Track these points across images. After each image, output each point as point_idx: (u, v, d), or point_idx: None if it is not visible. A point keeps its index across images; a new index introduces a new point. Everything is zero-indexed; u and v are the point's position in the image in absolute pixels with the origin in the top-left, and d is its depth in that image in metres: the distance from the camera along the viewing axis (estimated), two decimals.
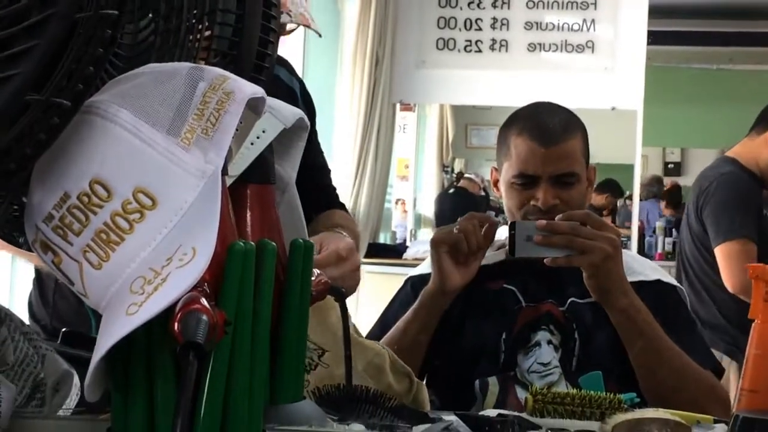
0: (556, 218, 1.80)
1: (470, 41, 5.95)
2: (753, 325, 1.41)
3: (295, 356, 1.18)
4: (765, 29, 7.81)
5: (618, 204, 8.29)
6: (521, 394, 1.83)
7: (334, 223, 1.86)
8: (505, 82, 5.90)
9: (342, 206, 2.11)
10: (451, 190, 8.73)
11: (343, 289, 1.36)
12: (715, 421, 1.44)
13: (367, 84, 5.92)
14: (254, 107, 1.01)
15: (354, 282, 1.74)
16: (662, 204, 8.22)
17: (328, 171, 2.12)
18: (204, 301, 0.85)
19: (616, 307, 1.81)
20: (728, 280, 3.10)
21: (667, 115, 6.87)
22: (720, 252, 3.11)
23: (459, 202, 8.17)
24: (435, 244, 1.87)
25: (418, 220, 8.43)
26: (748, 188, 3.27)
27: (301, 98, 2.00)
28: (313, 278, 1.24)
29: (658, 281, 1.95)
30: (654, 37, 5.90)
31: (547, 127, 1.91)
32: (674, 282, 2.00)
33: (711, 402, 1.78)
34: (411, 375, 1.57)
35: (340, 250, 1.63)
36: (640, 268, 1.95)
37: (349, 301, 1.58)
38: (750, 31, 7.84)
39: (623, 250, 1.85)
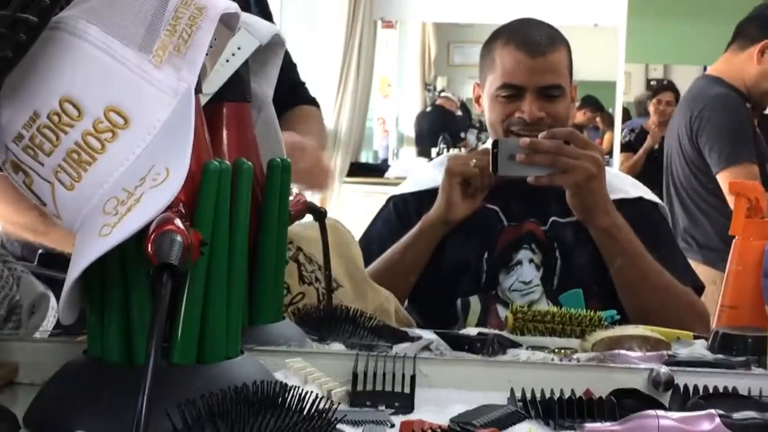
0: (539, 136, 1.78)
1: None
2: (734, 241, 1.41)
3: (274, 276, 1.17)
4: None
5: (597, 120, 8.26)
6: (503, 312, 1.83)
7: (290, 126, 1.83)
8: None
9: (309, 100, 2.07)
10: (428, 109, 8.68)
11: (323, 209, 1.35)
12: (695, 337, 1.45)
13: (348, 2, 5.86)
14: (228, 23, 0.99)
15: (321, 180, 1.73)
16: None
17: (294, 66, 2.08)
18: (178, 221, 0.84)
19: (598, 226, 1.80)
20: None
21: (650, 31, 6.81)
22: (725, 178, 3.10)
23: (437, 121, 8.13)
24: (449, 173, 1.85)
25: (401, 139, 8.39)
26: (741, 109, 3.25)
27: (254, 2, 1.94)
28: (291, 197, 1.23)
29: (640, 198, 1.95)
30: None
31: (534, 38, 1.90)
32: (655, 199, 2.00)
33: (691, 318, 1.79)
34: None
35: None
36: (621, 185, 1.94)
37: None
38: None
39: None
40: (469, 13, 6.11)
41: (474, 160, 1.85)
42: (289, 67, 2.05)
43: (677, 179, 3.33)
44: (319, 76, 5.78)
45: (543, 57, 1.89)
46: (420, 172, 2.16)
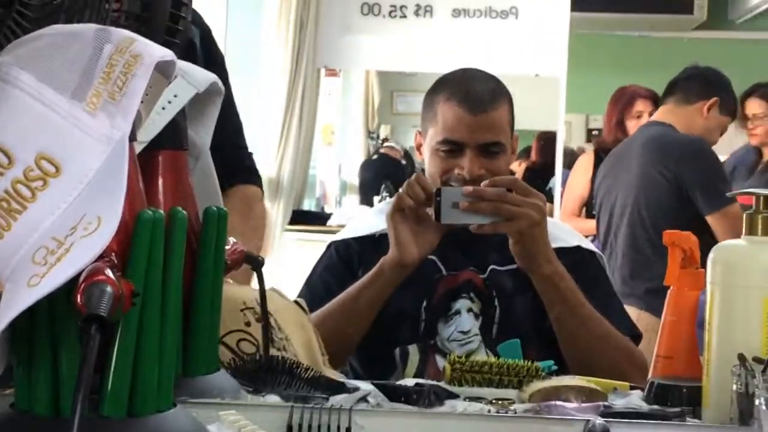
0: (482, 184, 1.79)
1: (395, 6, 5.91)
2: (669, 291, 1.42)
3: (209, 327, 1.16)
4: None
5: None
6: (441, 362, 1.83)
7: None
8: (429, 49, 5.89)
9: (251, 175, 2.05)
10: (374, 157, 8.72)
11: (261, 258, 1.34)
12: (631, 388, 1.45)
13: (292, 48, 5.87)
14: (164, 71, 0.99)
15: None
16: None
17: (241, 130, 2.06)
18: (109, 271, 0.82)
19: (540, 274, 1.81)
20: None
21: (591, 82, 6.91)
22: (722, 218, 3.18)
23: (380, 169, 8.16)
24: (390, 211, 1.84)
25: (344, 187, 8.41)
26: (715, 154, 3.41)
27: (201, 46, 1.92)
28: (227, 247, 1.22)
29: (578, 248, 1.96)
30: (578, 4, 5.92)
31: (476, 94, 1.90)
32: (593, 248, 2.01)
33: (630, 368, 1.80)
34: None
35: None
36: (560, 233, 1.96)
37: (274, 270, 1.57)
38: None
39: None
40: (413, 62, 6.15)
41: (407, 191, 1.82)
42: (235, 132, 2.03)
43: (633, 222, 3.37)
44: (261, 123, 5.78)
45: (485, 114, 1.89)
46: (360, 219, 2.16)
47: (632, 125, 4.28)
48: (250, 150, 2.10)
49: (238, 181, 1.97)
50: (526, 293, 1.87)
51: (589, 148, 5.80)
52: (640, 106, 4.38)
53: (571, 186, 4.60)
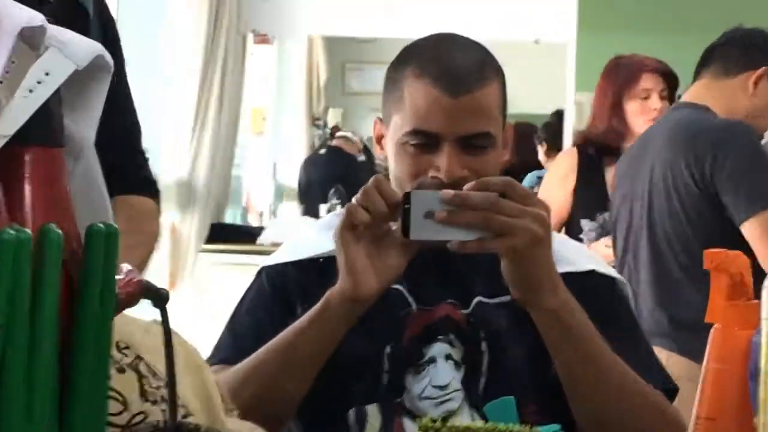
0: (466, 187, 1.78)
1: None
2: (712, 331, 1.44)
3: (94, 383, 1.15)
4: None
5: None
6: (411, 428, 1.84)
7: None
8: (393, 6, 5.91)
9: (146, 184, 2.06)
10: (322, 152, 8.73)
11: (164, 291, 1.34)
12: None
13: (208, 7, 5.87)
14: (30, 40, 0.98)
15: None
16: None
17: (138, 128, 2.07)
18: None
19: (543, 308, 1.81)
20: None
21: (606, 49, 6.95)
22: (753, 227, 3.17)
23: (330, 168, 8.16)
24: (338, 229, 1.82)
25: (279, 193, 8.41)
26: (758, 141, 3.40)
27: (97, 16, 1.92)
28: (119, 276, 1.22)
29: (592, 272, 1.97)
30: None
31: (457, 69, 1.89)
32: (612, 272, 2.03)
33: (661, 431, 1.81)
34: None
35: None
36: (568, 254, 1.97)
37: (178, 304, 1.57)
38: None
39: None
40: (370, 26, 6.16)
41: (362, 201, 1.81)
42: (129, 130, 2.04)
43: (656, 238, 3.38)
44: (167, 108, 5.76)
45: (468, 95, 1.88)
46: (301, 236, 2.16)
47: (634, 109, 4.26)
48: (147, 155, 2.12)
49: (128, 191, 1.98)
50: (524, 334, 1.87)
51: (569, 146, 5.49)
52: (648, 82, 4.31)
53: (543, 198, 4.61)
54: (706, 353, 1.43)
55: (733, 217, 3.22)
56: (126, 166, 1.98)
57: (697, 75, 3.52)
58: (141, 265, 1.99)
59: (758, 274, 1.31)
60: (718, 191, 3.25)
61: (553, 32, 5.81)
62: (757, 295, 1.32)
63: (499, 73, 1.95)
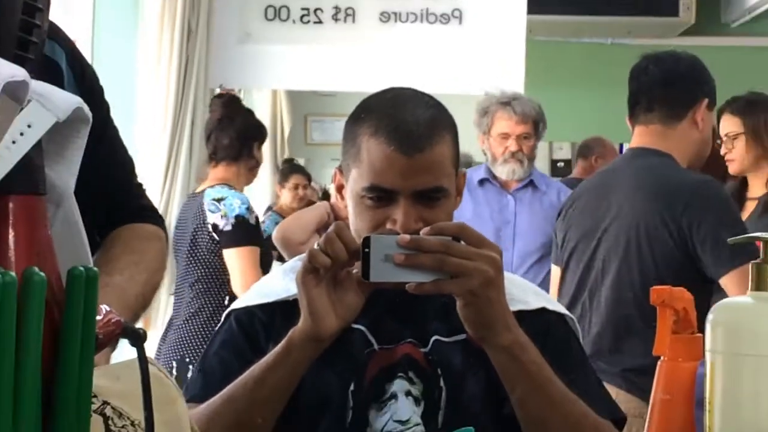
0: (422, 232, 1.78)
1: (307, 10, 5.95)
2: (659, 363, 1.44)
3: (76, 420, 1.14)
4: None
5: None
6: None
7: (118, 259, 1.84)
8: (352, 62, 5.92)
9: (148, 212, 2.06)
10: None
11: (141, 330, 1.33)
12: None
13: (177, 62, 5.85)
14: (14, 94, 0.98)
15: None
16: None
17: (130, 161, 2.08)
18: None
19: (498, 345, 1.81)
20: None
21: (554, 102, 6.99)
22: (736, 278, 3.15)
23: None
24: (298, 277, 1.82)
25: None
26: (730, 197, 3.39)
27: (71, 74, 1.91)
28: (99, 317, 1.21)
29: (543, 310, 1.97)
30: (535, 5, 6.00)
31: (410, 127, 1.88)
32: (561, 309, 2.03)
33: None
34: None
35: None
36: (518, 293, 1.97)
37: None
38: None
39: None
40: (331, 80, 6.17)
41: (324, 247, 1.81)
42: (124, 163, 2.04)
43: (620, 282, 3.33)
44: (140, 161, 5.74)
45: (420, 154, 1.87)
46: (267, 280, 2.15)
47: None
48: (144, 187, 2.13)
49: (130, 220, 1.99)
50: (479, 370, 1.87)
51: None
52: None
53: None
54: (654, 385, 1.43)
55: (708, 270, 3.21)
56: (125, 197, 2.00)
57: (636, 116, 3.45)
58: (146, 286, 1.97)
59: (702, 309, 1.31)
60: (695, 247, 3.23)
61: (503, 85, 5.82)
62: (701, 328, 1.32)
63: (451, 127, 1.95)
